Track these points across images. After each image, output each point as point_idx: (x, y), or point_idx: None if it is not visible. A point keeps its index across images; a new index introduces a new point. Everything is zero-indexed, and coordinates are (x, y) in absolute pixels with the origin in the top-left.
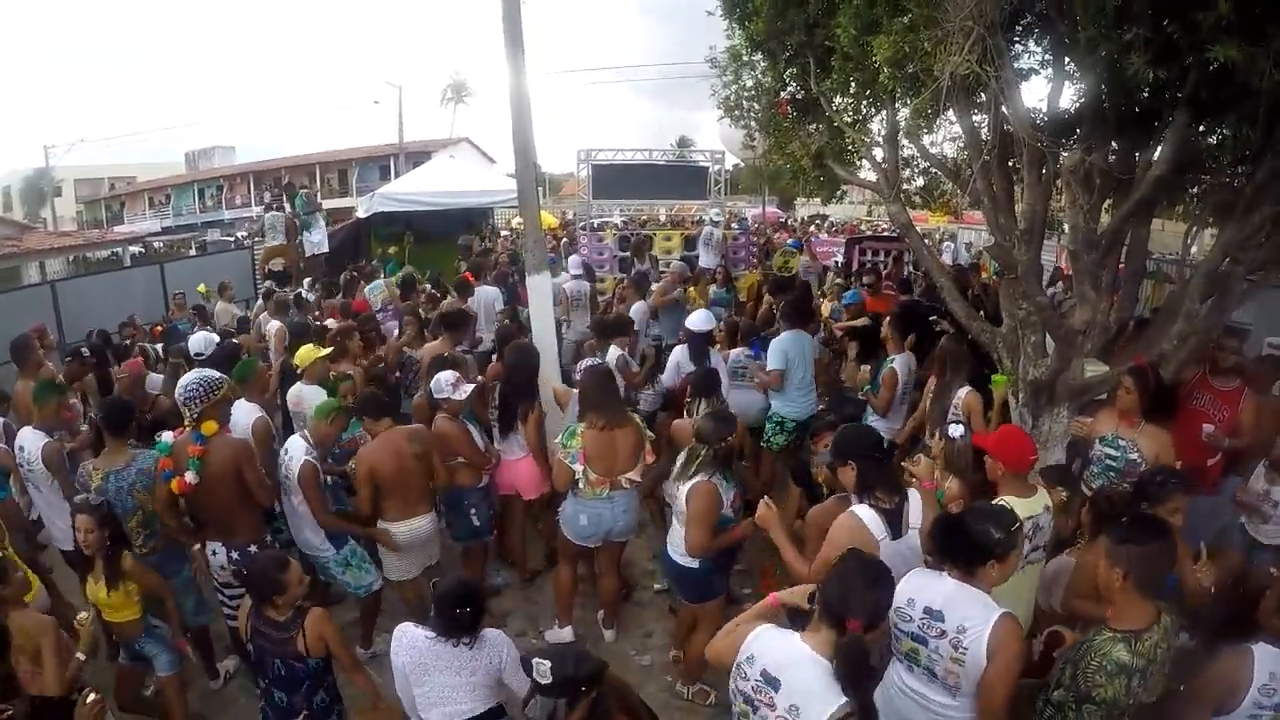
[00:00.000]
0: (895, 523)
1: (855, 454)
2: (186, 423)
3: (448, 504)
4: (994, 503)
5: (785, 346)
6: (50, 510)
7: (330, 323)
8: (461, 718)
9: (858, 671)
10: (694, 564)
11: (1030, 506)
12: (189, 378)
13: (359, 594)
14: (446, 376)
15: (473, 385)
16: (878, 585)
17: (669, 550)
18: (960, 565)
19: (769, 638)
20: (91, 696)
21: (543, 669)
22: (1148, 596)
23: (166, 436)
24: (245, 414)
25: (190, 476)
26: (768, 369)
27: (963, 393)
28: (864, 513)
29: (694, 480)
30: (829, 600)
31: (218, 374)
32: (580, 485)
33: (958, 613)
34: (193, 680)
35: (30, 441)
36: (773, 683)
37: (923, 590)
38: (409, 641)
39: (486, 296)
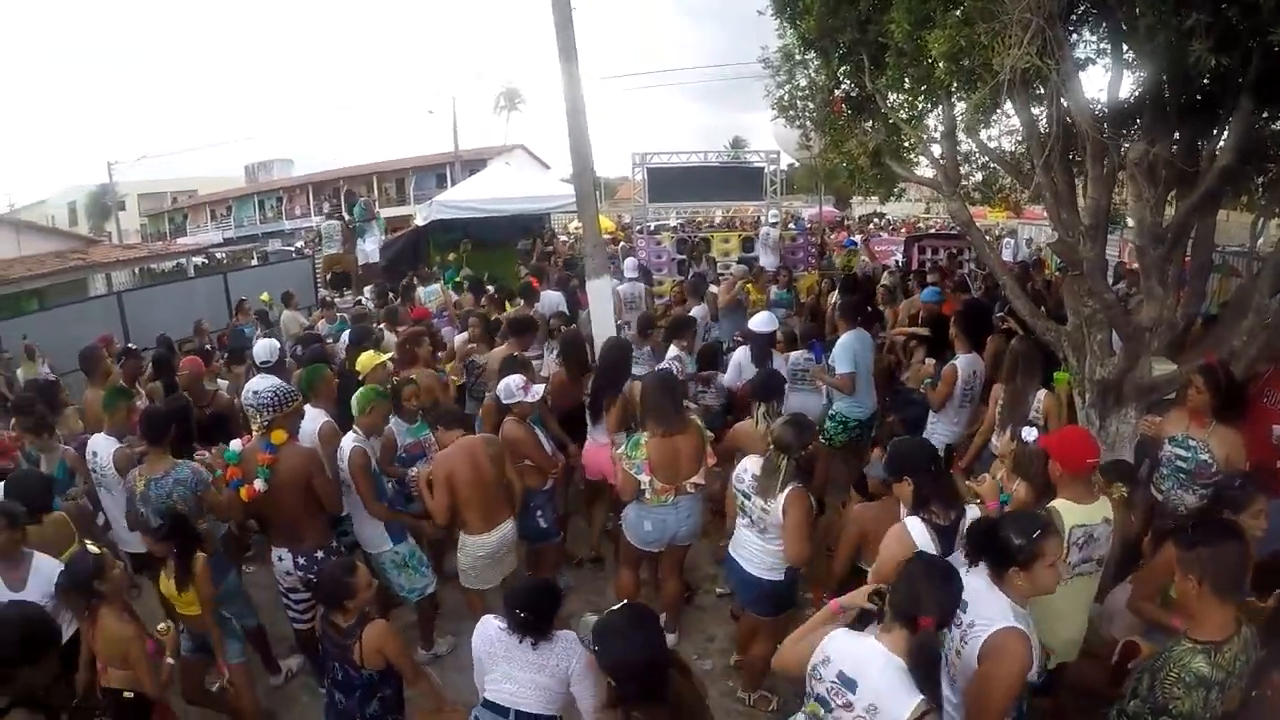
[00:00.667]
0: (949, 537)
1: (911, 469)
2: (255, 429)
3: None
4: (1046, 506)
5: (853, 347)
6: (119, 514)
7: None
8: (521, 708)
9: (933, 669)
10: (779, 576)
11: (1086, 514)
12: (263, 385)
13: (410, 598)
14: (515, 380)
15: (541, 387)
16: (947, 583)
17: (741, 563)
18: (989, 566)
19: (844, 640)
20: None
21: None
22: (1227, 601)
23: (235, 445)
24: (311, 420)
25: (259, 484)
26: (839, 372)
27: (1042, 394)
28: (914, 526)
29: (787, 489)
30: (900, 600)
31: (292, 386)
32: (646, 494)
33: (976, 609)
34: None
35: (103, 447)
36: (850, 684)
37: (964, 576)
38: (484, 631)
39: (550, 301)
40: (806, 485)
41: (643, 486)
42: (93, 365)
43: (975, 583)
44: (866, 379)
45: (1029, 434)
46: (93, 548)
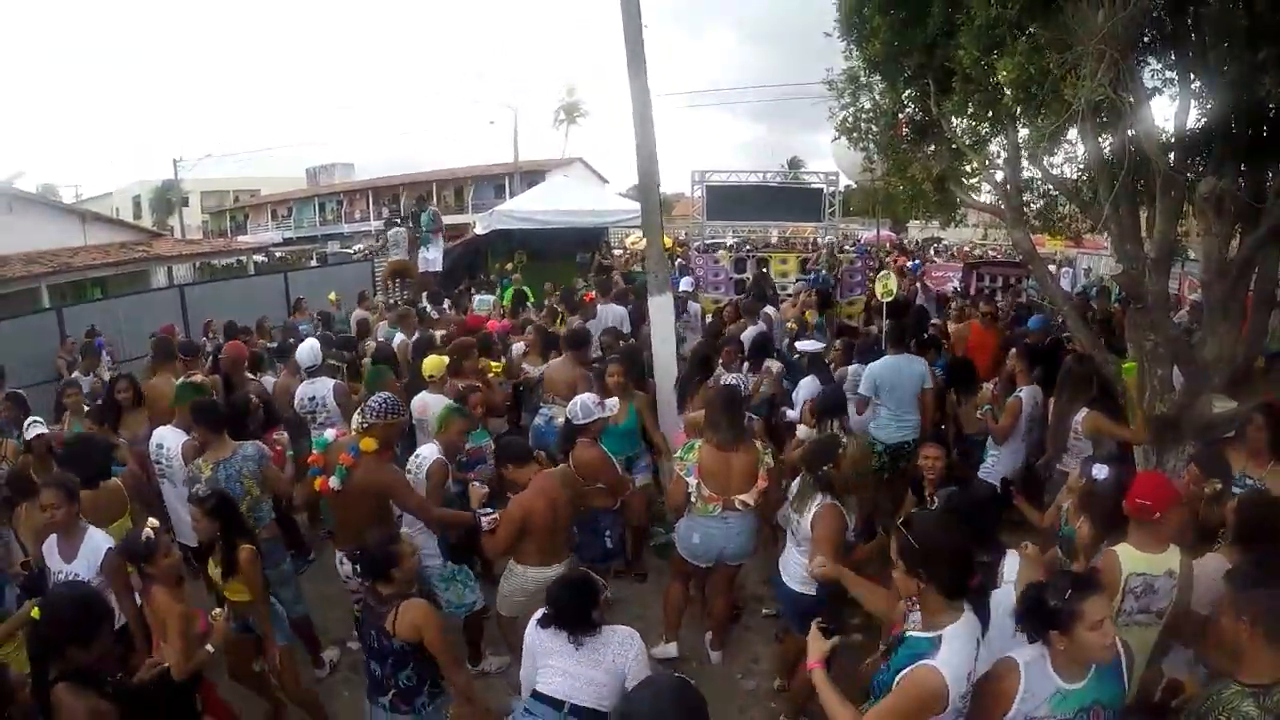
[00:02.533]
0: (989, 574)
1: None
2: (354, 428)
3: (581, 526)
4: (1107, 549)
5: (877, 372)
6: (181, 507)
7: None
8: (576, 701)
9: None
10: (812, 591)
11: (1149, 563)
12: (316, 391)
13: (458, 614)
14: (590, 398)
15: (615, 400)
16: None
17: (784, 577)
18: (1031, 631)
19: None
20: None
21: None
22: (1278, 646)
23: (329, 434)
24: (429, 452)
25: (334, 482)
26: (858, 393)
27: (1081, 414)
28: None
29: (817, 505)
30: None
31: (400, 402)
32: (694, 500)
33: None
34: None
35: (170, 440)
36: None
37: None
38: (534, 626)
39: (614, 315)
40: (839, 502)
41: (690, 491)
42: (166, 354)
43: (1028, 655)
44: (899, 405)
45: (1099, 471)
46: (149, 528)
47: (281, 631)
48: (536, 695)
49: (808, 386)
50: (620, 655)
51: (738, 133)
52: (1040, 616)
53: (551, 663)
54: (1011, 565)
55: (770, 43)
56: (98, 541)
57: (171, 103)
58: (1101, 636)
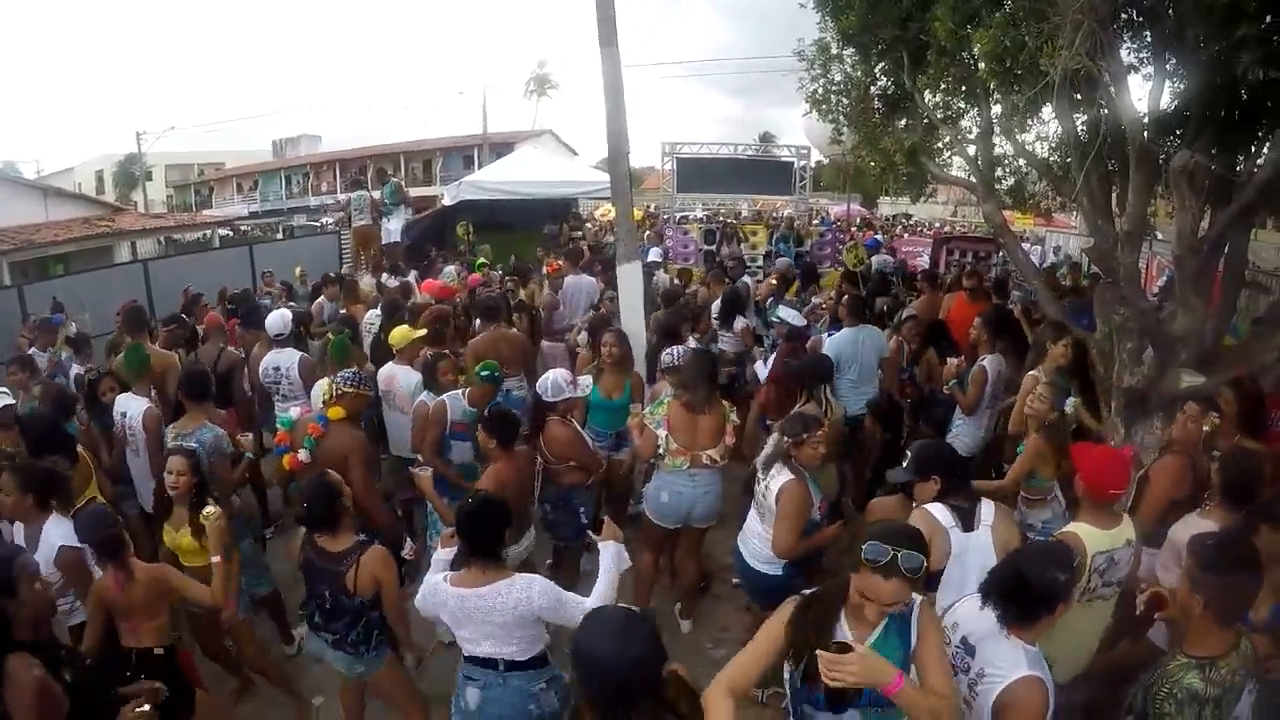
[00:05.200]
0: (967, 518)
1: (939, 470)
2: (321, 397)
3: (555, 505)
4: (1066, 531)
5: (840, 346)
6: (144, 476)
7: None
8: (508, 657)
9: None
10: (776, 570)
11: (1110, 539)
12: (283, 360)
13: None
14: (561, 374)
15: (588, 379)
16: (1054, 566)
17: (743, 553)
18: (1014, 616)
19: (968, 608)
20: (143, 709)
21: None
22: (1226, 627)
23: (293, 412)
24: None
25: (303, 455)
26: None
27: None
28: (934, 508)
29: (784, 479)
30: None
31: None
32: (663, 455)
33: (987, 654)
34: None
35: (133, 407)
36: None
37: (967, 619)
38: (435, 594)
39: (584, 285)
40: (815, 482)
41: (659, 444)
42: (138, 325)
43: (983, 625)
44: (858, 376)
45: (1069, 404)
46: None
47: (239, 604)
48: (470, 660)
49: (761, 364)
50: (524, 600)
51: (714, 107)
52: (1036, 602)
53: (466, 629)
54: (987, 507)
55: (746, 16)
56: (51, 538)
57: (134, 74)
58: (1069, 606)
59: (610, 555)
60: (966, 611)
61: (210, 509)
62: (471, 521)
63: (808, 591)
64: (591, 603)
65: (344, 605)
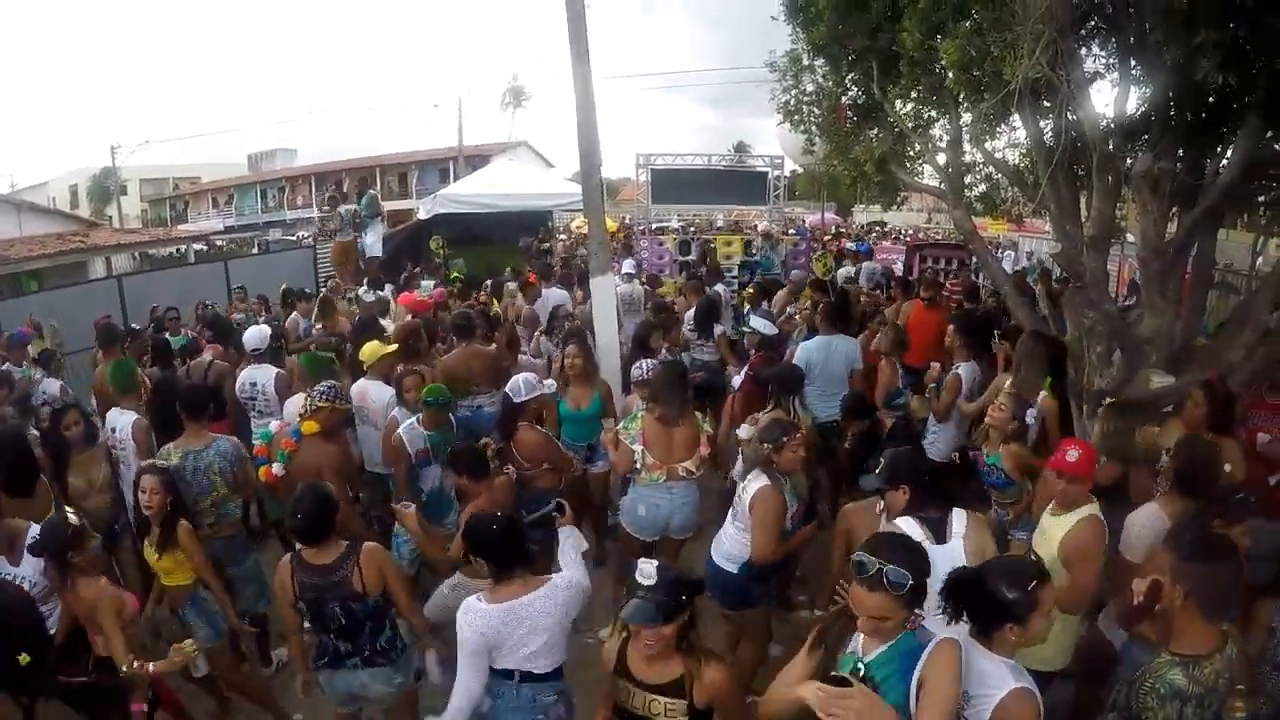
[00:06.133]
0: (938, 529)
1: (909, 479)
2: (296, 412)
3: (529, 509)
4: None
5: (810, 352)
6: (132, 487)
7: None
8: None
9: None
10: (733, 568)
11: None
12: (260, 376)
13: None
14: (528, 377)
15: (552, 381)
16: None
17: (712, 552)
18: (977, 626)
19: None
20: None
21: (647, 570)
22: (1210, 620)
23: (273, 425)
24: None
25: (276, 468)
26: None
27: (1043, 395)
28: (904, 522)
29: (759, 485)
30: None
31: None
32: (639, 470)
33: (969, 676)
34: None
35: (121, 421)
36: None
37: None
38: (476, 615)
39: (555, 299)
40: (793, 490)
41: (635, 459)
42: (110, 340)
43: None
44: (828, 383)
45: (1030, 414)
46: (73, 517)
47: (209, 632)
48: (495, 671)
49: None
50: (572, 592)
51: (691, 117)
52: (995, 609)
53: (510, 642)
54: (959, 517)
55: (720, 28)
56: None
57: (108, 87)
58: (1049, 620)
59: (570, 541)
60: (935, 627)
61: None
62: (493, 539)
63: (831, 609)
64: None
65: (358, 611)
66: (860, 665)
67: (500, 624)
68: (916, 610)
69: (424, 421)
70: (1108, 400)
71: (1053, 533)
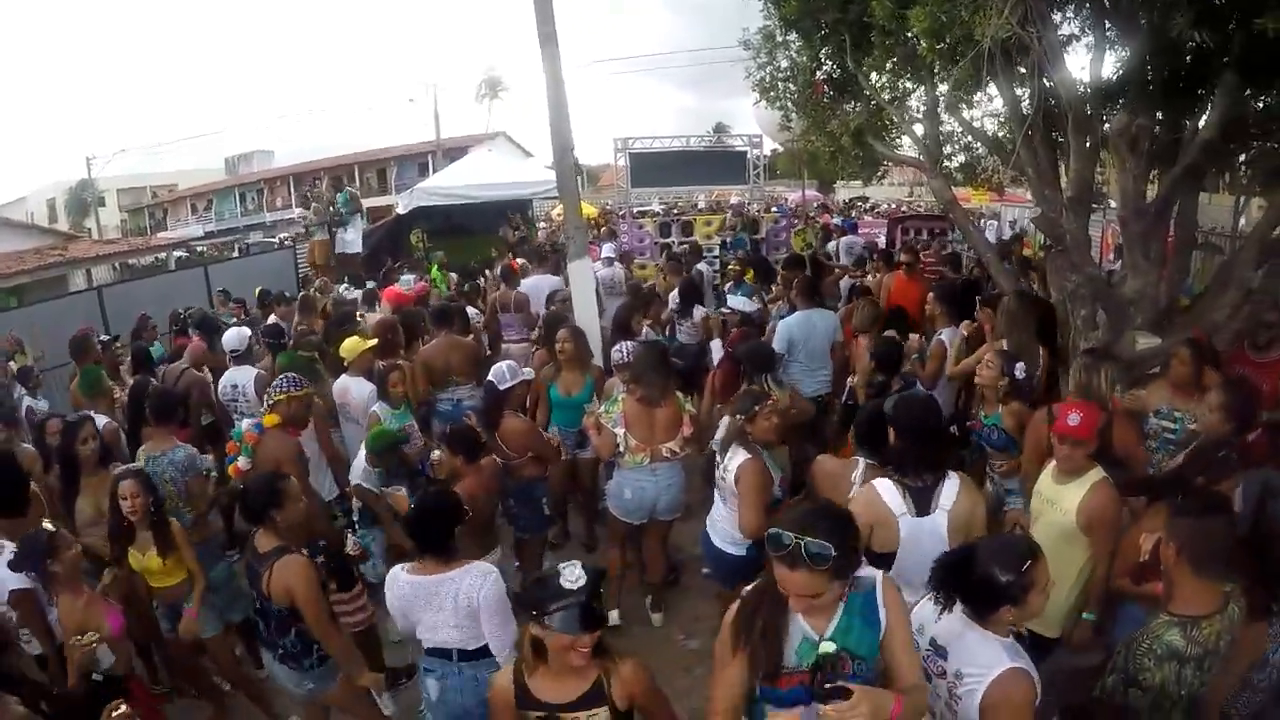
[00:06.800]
0: (922, 500)
1: (903, 427)
2: (264, 409)
3: (517, 498)
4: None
5: (790, 329)
6: None
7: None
8: (459, 646)
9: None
10: (740, 550)
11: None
12: (241, 377)
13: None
14: (508, 365)
15: (530, 370)
16: (998, 565)
17: (710, 534)
18: (971, 609)
19: (931, 608)
20: (121, 709)
21: (575, 573)
22: (1204, 577)
23: (245, 424)
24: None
25: (243, 462)
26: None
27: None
28: (882, 485)
29: (741, 458)
30: None
31: (304, 378)
32: (622, 452)
33: (962, 654)
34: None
35: (99, 426)
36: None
37: (932, 619)
38: (395, 585)
39: (544, 285)
40: (761, 455)
41: (618, 442)
42: (83, 351)
43: (951, 624)
44: (810, 358)
45: (1020, 370)
46: (48, 524)
47: (211, 622)
48: (429, 651)
49: (717, 349)
50: (475, 588)
51: (670, 100)
52: (989, 592)
53: (425, 618)
54: (951, 489)
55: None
56: (2, 574)
57: (81, 99)
58: (1045, 597)
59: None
60: (930, 612)
61: (89, 635)
62: (421, 522)
63: (746, 590)
64: (500, 652)
65: (267, 608)
66: (828, 645)
67: (410, 595)
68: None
69: (369, 460)
70: (1083, 350)
71: (1065, 502)
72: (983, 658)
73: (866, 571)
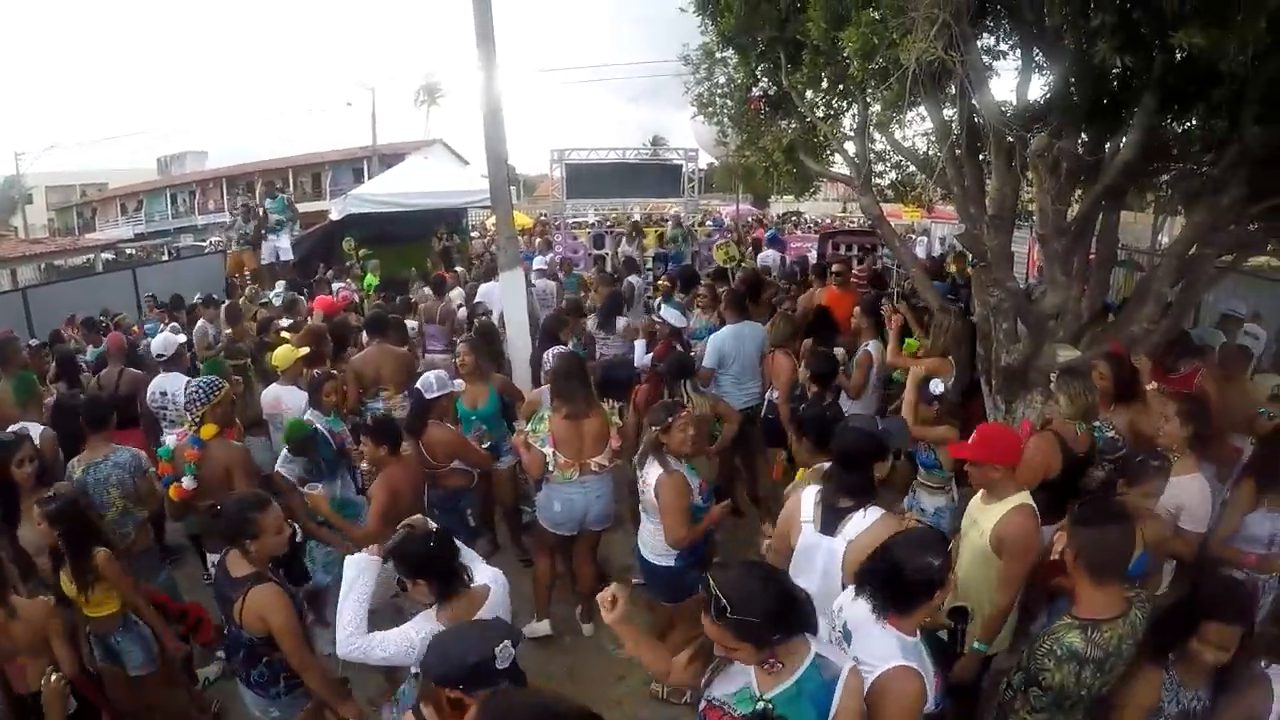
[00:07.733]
0: (831, 520)
1: (839, 451)
2: (188, 426)
3: (441, 508)
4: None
5: (721, 342)
6: None
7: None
8: None
9: None
10: (670, 561)
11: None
12: (192, 382)
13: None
14: (439, 374)
15: (460, 381)
16: (927, 553)
17: (641, 549)
18: (892, 608)
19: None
20: (55, 675)
21: (508, 653)
22: (1101, 584)
23: (170, 440)
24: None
25: (187, 482)
26: (703, 364)
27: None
28: (807, 493)
29: (658, 473)
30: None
31: (217, 378)
32: (551, 469)
33: (861, 643)
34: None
35: (30, 434)
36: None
37: (851, 605)
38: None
39: (492, 294)
40: (691, 467)
41: (548, 461)
42: (7, 355)
43: (859, 613)
44: (741, 372)
45: (936, 387)
46: None
47: (143, 658)
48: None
49: (640, 350)
50: (502, 595)
51: (613, 112)
52: (909, 592)
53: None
54: (868, 520)
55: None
56: None
57: (9, 92)
58: (946, 593)
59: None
60: (850, 594)
61: (55, 676)
62: (433, 557)
63: (691, 648)
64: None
65: (237, 636)
66: (764, 702)
67: None
68: (773, 652)
69: (289, 448)
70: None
71: (984, 522)
72: (880, 650)
73: (839, 659)
